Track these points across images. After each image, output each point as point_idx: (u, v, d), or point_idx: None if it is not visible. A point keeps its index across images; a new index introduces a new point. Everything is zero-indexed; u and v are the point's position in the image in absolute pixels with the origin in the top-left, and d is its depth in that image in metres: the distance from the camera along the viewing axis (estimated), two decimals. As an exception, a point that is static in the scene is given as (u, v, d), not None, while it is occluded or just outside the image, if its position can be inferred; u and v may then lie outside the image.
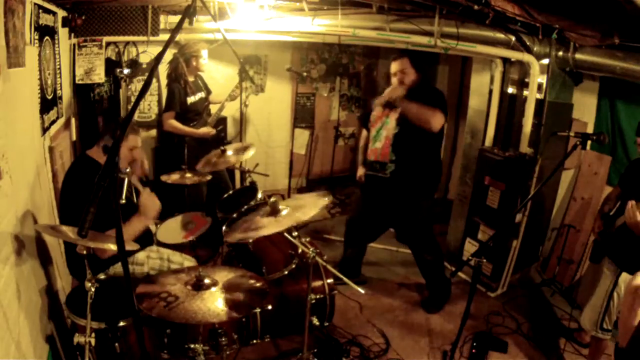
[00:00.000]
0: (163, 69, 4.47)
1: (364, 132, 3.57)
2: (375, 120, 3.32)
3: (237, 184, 4.30)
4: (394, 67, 3.20)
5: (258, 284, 2.07)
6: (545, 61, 3.36)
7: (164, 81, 4.56)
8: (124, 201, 2.34)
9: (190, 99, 3.84)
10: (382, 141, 3.21)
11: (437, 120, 3.00)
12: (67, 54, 3.33)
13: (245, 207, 2.91)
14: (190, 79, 3.85)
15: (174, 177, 3.31)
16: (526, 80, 3.52)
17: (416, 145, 3.13)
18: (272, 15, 3.64)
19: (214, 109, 4.07)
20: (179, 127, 3.79)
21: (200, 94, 3.96)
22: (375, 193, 3.39)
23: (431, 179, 3.31)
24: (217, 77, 4.83)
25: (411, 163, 3.16)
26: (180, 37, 4.18)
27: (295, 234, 2.59)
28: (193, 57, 3.78)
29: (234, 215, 2.87)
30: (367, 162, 3.34)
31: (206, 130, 3.89)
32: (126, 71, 4.19)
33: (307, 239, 2.84)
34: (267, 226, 2.22)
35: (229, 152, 3.35)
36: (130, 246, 2.08)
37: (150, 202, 2.26)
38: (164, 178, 3.28)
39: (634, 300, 1.00)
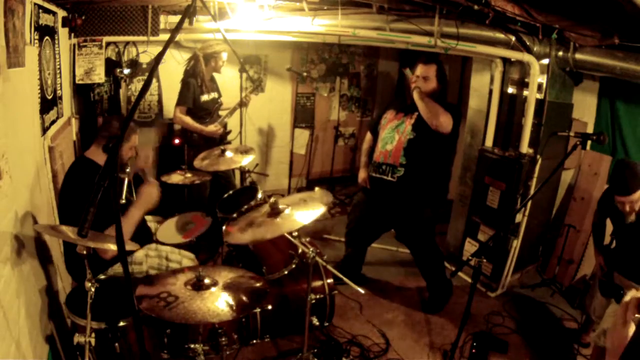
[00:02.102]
0: (163, 69, 4.49)
1: (368, 135, 3.57)
2: (387, 122, 3.32)
3: (237, 184, 4.29)
4: (419, 70, 3.18)
5: (258, 284, 2.07)
6: (545, 61, 3.36)
7: (164, 81, 4.58)
8: (124, 201, 2.34)
9: (204, 97, 3.85)
10: (394, 144, 3.18)
11: (446, 118, 3.01)
12: (67, 54, 3.33)
13: (245, 207, 2.91)
14: (208, 77, 3.86)
15: (174, 177, 3.31)
16: (526, 80, 3.52)
17: (428, 153, 3.13)
18: (272, 15, 3.64)
19: (222, 112, 4.08)
20: (188, 122, 3.79)
21: (214, 94, 3.98)
22: (379, 196, 3.35)
23: (437, 188, 3.31)
24: (217, 76, 4.84)
25: (420, 170, 3.14)
26: (180, 37, 4.19)
27: (295, 234, 2.59)
28: (213, 58, 3.79)
29: (234, 215, 2.87)
30: (374, 164, 3.31)
31: (214, 128, 3.90)
32: (126, 71, 4.20)
33: (307, 239, 2.84)
34: (268, 229, 2.22)
35: (229, 154, 3.35)
36: (130, 246, 2.08)
37: (148, 191, 2.30)
38: (164, 178, 3.28)
39: (625, 314, 1.00)
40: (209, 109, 3.93)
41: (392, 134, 3.22)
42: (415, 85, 3.12)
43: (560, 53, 3.32)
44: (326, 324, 2.85)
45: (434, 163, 3.19)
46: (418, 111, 3.11)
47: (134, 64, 4.36)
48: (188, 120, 3.78)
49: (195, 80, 3.78)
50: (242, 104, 3.81)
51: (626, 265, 2.51)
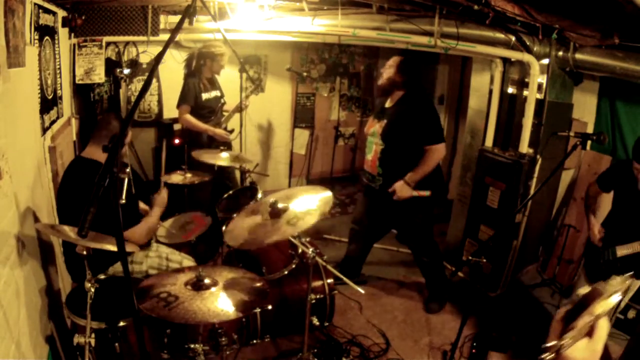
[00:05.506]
0: (163, 69, 4.49)
1: None
2: (368, 127, 3.33)
3: (237, 184, 4.30)
4: (387, 62, 3.19)
5: (258, 284, 2.06)
6: (545, 61, 3.36)
7: (164, 81, 4.58)
8: (123, 201, 2.34)
9: (205, 96, 3.86)
10: (372, 153, 3.22)
11: (437, 157, 3.04)
12: (67, 54, 3.33)
13: (245, 207, 2.90)
14: (207, 75, 3.87)
15: (174, 177, 3.31)
16: (526, 80, 3.52)
17: (401, 162, 3.12)
18: (272, 15, 3.64)
19: (224, 114, 4.09)
20: (194, 123, 3.79)
21: (215, 92, 3.98)
22: (369, 200, 3.44)
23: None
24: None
25: (397, 178, 3.12)
26: (180, 37, 4.19)
27: (295, 234, 2.59)
28: (209, 57, 3.80)
29: (234, 215, 2.87)
30: (363, 171, 3.39)
31: (224, 132, 3.90)
32: (126, 71, 4.20)
33: (307, 239, 2.84)
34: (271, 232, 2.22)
35: (224, 155, 3.37)
36: (130, 247, 2.09)
37: (161, 197, 2.62)
38: (164, 178, 3.28)
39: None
40: (211, 107, 3.93)
41: (371, 143, 3.24)
42: (402, 195, 3.07)
43: (560, 53, 3.31)
44: (326, 324, 2.85)
45: (410, 169, 3.11)
46: (385, 118, 3.13)
47: (134, 64, 4.36)
48: (194, 120, 3.79)
49: (195, 79, 3.79)
50: (242, 108, 3.81)
51: (630, 234, 2.48)
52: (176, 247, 2.76)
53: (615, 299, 0.86)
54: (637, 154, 2.37)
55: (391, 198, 3.16)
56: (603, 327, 0.87)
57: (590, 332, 0.86)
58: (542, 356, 0.84)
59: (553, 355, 0.84)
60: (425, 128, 3.04)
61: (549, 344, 0.85)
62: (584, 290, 0.93)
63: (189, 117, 3.78)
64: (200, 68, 3.81)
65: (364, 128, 3.40)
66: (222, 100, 4.04)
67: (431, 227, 3.45)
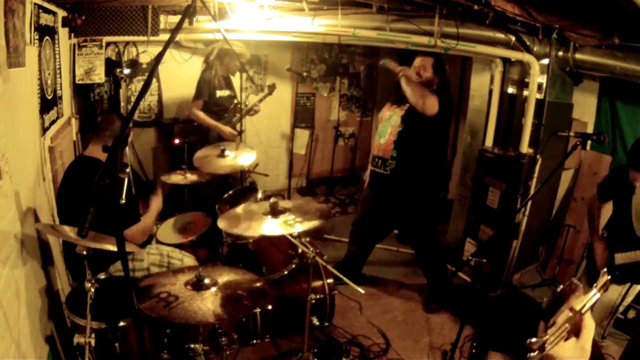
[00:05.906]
0: (163, 69, 4.49)
1: None
2: (382, 115, 3.35)
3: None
4: (416, 61, 3.21)
5: (258, 284, 2.06)
6: (545, 61, 3.36)
7: (164, 81, 4.58)
8: (124, 201, 2.34)
9: (219, 93, 3.90)
10: (386, 137, 3.21)
11: (431, 100, 3.00)
12: (67, 54, 3.32)
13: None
14: (222, 73, 3.91)
15: (174, 177, 3.31)
16: (526, 80, 3.52)
17: (418, 145, 3.12)
18: (272, 15, 3.64)
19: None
20: (203, 118, 3.81)
21: (229, 92, 4.01)
22: (376, 189, 3.39)
23: (432, 180, 3.27)
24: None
25: (411, 162, 3.14)
26: (180, 37, 4.19)
27: (295, 233, 2.59)
28: (227, 55, 3.84)
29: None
30: (372, 157, 3.36)
31: (230, 130, 3.90)
32: (126, 71, 4.20)
33: (307, 239, 2.84)
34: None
35: (229, 153, 3.35)
36: (130, 247, 2.09)
37: (157, 200, 2.58)
38: (163, 178, 3.28)
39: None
40: (224, 106, 3.95)
41: (386, 127, 3.24)
42: (402, 73, 3.10)
43: (560, 53, 3.31)
44: (326, 324, 2.85)
45: (425, 155, 3.16)
46: (408, 102, 3.13)
47: (134, 64, 4.36)
48: (201, 115, 3.81)
49: (210, 74, 3.83)
50: (253, 111, 3.82)
51: (629, 241, 2.48)
52: (176, 247, 2.76)
53: (595, 296, 0.89)
54: (632, 161, 2.38)
55: (399, 186, 3.17)
56: (590, 326, 0.88)
57: (577, 332, 0.88)
58: (529, 355, 0.85)
59: (537, 352, 0.85)
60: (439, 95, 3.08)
61: (533, 340, 0.87)
62: (561, 286, 0.96)
63: (200, 113, 3.81)
64: (217, 64, 3.84)
65: (363, 128, 3.39)
66: (235, 101, 4.06)
67: (436, 226, 3.45)
